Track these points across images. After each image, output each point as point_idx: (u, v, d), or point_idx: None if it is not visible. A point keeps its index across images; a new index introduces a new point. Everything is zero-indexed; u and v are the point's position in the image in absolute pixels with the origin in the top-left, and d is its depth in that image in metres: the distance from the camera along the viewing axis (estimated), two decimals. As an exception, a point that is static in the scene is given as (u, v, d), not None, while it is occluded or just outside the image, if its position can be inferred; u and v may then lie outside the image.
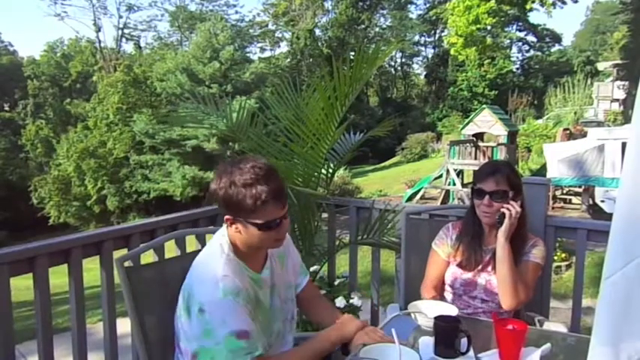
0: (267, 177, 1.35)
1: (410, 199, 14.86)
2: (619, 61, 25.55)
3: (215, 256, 1.42)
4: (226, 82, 25.64)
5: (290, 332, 1.63)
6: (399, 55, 43.17)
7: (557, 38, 40.79)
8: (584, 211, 11.81)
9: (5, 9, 62.25)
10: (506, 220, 1.83)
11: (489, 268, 1.93)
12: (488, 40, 29.76)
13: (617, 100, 24.60)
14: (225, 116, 2.90)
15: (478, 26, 27.28)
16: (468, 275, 1.95)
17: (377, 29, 41.95)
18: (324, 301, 1.81)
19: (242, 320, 1.32)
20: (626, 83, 21.39)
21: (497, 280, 1.87)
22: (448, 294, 2.02)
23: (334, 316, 1.61)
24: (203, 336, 1.31)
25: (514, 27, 37.25)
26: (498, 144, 14.83)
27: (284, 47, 39.64)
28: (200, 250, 1.54)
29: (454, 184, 14.32)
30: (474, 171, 2.14)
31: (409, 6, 42.51)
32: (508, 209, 1.84)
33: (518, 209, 1.85)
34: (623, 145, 10.07)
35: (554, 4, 29.36)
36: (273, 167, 1.40)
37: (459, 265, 1.97)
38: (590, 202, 11.78)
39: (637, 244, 0.82)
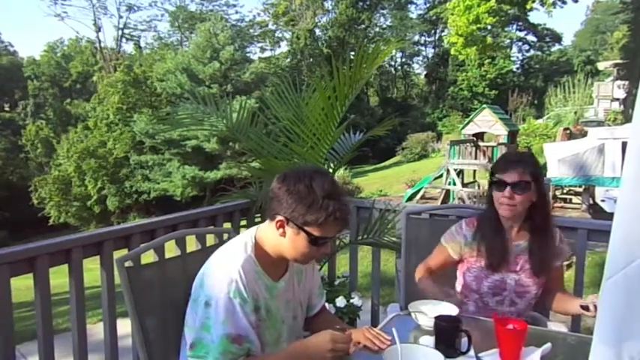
0: (344, 194, 1.34)
1: (410, 198, 14.86)
2: (619, 61, 25.51)
3: (236, 253, 1.39)
4: (226, 82, 25.66)
5: None
6: (399, 54, 43.17)
7: (557, 38, 40.80)
8: (584, 210, 11.79)
9: (5, 9, 62.29)
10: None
11: (517, 268, 1.82)
12: (489, 39, 29.69)
13: (618, 99, 24.58)
14: (225, 116, 2.90)
15: (478, 26, 27.20)
16: (496, 277, 1.83)
17: (377, 29, 41.92)
18: (339, 322, 1.75)
19: (241, 325, 1.32)
20: (627, 83, 21.38)
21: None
22: (472, 302, 1.89)
23: None
24: (202, 329, 1.33)
25: (514, 27, 37.29)
26: (498, 144, 14.81)
27: (284, 47, 39.70)
28: (201, 250, 1.52)
29: (454, 184, 14.31)
30: (495, 160, 1.95)
31: (409, 6, 42.54)
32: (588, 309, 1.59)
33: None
34: (624, 144, 10.07)
35: (554, 4, 29.24)
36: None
37: (485, 267, 1.83)
38: (591, 201, 11.76)
39: (638, 244, 0.82)
